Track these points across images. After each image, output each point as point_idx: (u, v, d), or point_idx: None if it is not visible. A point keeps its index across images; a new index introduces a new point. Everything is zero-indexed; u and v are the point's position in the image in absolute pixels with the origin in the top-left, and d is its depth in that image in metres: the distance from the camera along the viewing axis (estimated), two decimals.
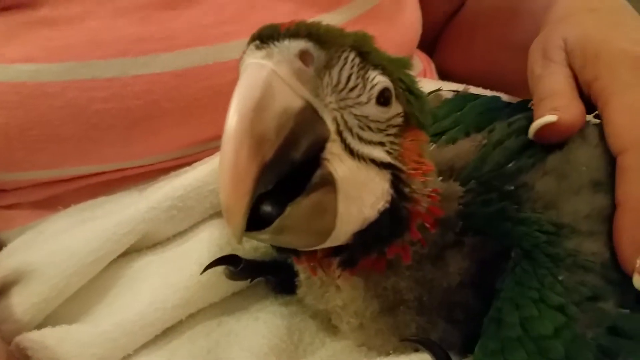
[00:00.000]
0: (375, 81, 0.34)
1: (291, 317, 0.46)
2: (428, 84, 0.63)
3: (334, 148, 0.32)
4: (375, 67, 0.35)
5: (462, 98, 0.53)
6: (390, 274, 0.38)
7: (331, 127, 0.32)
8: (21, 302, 0.47)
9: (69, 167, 0.53)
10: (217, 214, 0.50)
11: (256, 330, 0.45)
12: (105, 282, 0.50)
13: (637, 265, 0.36)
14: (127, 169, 0.54)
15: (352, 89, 0.33)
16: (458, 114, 0.50)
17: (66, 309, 0.48)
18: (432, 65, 0.77)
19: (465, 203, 0.40)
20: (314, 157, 0.32)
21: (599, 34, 0.45)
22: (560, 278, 0.35)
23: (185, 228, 0.51)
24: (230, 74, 0.51)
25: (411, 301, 0.39)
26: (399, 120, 0.36)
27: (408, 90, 0.36)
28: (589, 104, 0.44)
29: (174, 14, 0.52)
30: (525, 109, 0.48)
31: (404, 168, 0.35)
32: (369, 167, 0.34)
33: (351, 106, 0.34)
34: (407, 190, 0.35)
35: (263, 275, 0.48)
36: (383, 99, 0.35)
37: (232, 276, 0.47)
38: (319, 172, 0.32)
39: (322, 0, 0.59)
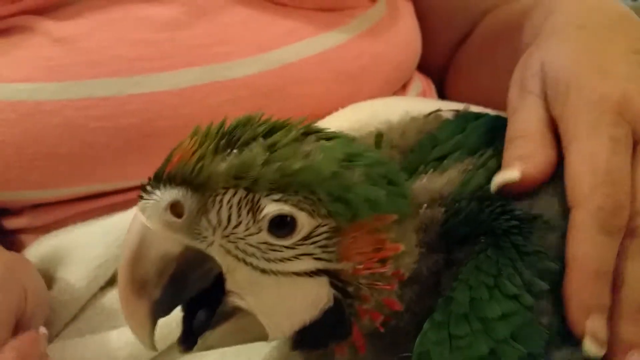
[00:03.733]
0: (264, 212, 0.32)
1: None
2: (427, 103, 0.62)
3: (237, 276, 0.33)
4: (270, 192, 0.32)
5: (463, 118, 0.51)
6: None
7: (223, 261, 0.33)
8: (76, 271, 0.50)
9: (64, 188, 0.53)
10: None
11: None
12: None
13: (587, 329, 0.34)
14: (132, 188, 0.54)
15: (236, 226, 0.33)
16: (460, 136, 0.48)
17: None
18: (432, 86, 0.76)
19: (445, 221, 0.38)
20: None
21: (575, 64, 0.41)
22: (520, 270, 0.35)
23: None
24: (226, 93, 0.53)
25: (412, 332, 0.37)
26: (325, 228, 0.33)
27: (337, 198, 0.33)
28: None
29: (171, 35, 0.53)
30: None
31: (344, 268, 0.34)
32: (294, 279, 0.33)
33: (242, 238, 0.33)
34: (351, 288, 0.34)
35: None
36: (282, 224, 0.33)
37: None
38: (220, 309, 0.34)
39: (321, 18, 0.59)
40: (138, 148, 0.52)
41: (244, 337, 0.36)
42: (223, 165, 0.32)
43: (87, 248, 0.51)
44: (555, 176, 0.38)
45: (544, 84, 0.42)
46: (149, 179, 0.33)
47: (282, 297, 0.34)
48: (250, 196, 0.32)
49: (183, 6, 0.54)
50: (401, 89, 0.69)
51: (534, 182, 0.38)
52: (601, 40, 0.44)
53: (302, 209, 0.33)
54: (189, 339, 0.35)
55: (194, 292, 0.34)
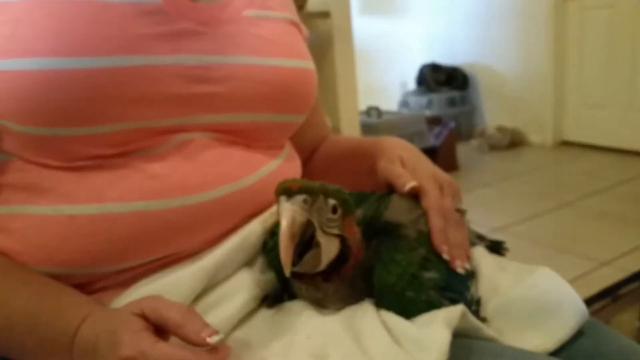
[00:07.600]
0: (329, 205, 0.59)
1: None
2: None
3: (318, 232, 0.58)
4: (331, 197, 0.59)
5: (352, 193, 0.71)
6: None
7: (317, 225, 0.58)
8: None
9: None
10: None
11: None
12: None
13: (444, 249, 0.66)
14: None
15: (322, 210, 0.59)
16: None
17: None
18: None
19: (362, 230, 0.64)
20: (311, 237, 0.58)
21: (413, 161, 0.78)
22: (402, 242, 0.65)
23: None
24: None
25: (362, 281, 0.63)
26: (339, 215, 0.60)
27: (342, 201, 0.60)
28: None
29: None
30: (367, 197, 0.74)
31: (345, 235, 0.60)
32: (333, 238, 0.60)
33: (322, 215, 0.59)
34: (347, 243, 0.61)
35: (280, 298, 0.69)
36: (334, 210, 0.59)
37: (269, 304, 0.68)
38: (314, 241, 0.58)
39: (268, 152, 0.74)
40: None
41: (316, 261, 0.58)
42: (317, 185, 0.58)
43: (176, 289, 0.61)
44: (404, 207, 0.70)
45: (403, 164, 0.77)
46: (285, 191, 0.56)
47: (329, 245, 0.59)
48: (326, 197, 0.58)
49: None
50: None
51: (415, 188, 0.71)
52: (415, 157, 0.80)
53: (338, 203, 0.59)
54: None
55: (305, 241, 0.57)
